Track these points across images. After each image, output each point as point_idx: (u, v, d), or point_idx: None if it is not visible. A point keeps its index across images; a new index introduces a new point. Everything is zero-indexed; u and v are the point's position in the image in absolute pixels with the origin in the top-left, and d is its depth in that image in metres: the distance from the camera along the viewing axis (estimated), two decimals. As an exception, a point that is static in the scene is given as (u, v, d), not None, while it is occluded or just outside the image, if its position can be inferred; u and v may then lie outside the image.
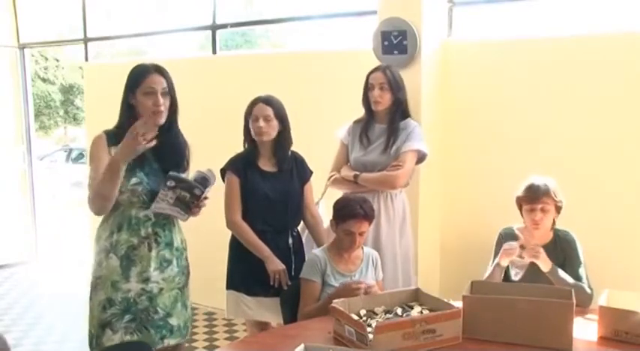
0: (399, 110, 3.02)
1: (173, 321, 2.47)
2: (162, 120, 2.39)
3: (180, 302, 2.52)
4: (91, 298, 2.44)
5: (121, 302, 2.38)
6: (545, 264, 2.44)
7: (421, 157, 3.03)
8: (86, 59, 5.75)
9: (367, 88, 3.04)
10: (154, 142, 2.27)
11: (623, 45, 3.06)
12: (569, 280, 2.44)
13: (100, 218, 2.47)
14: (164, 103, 2.37)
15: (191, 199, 2.38)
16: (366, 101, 3.05)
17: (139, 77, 2.37)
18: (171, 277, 2.46)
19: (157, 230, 2.43)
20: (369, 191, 2.96)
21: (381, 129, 3.03)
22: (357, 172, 2.99)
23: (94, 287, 2.43)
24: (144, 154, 2.35)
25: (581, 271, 2.52)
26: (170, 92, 2.41)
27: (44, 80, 19.55)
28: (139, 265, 2.39)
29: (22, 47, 6.13)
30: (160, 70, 2.40)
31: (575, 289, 2.26)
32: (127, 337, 2.38)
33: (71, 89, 20.41)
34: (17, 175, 6.20)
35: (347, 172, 3.03)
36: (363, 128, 3.07)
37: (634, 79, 3.02)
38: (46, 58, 19.33)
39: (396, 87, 2.99)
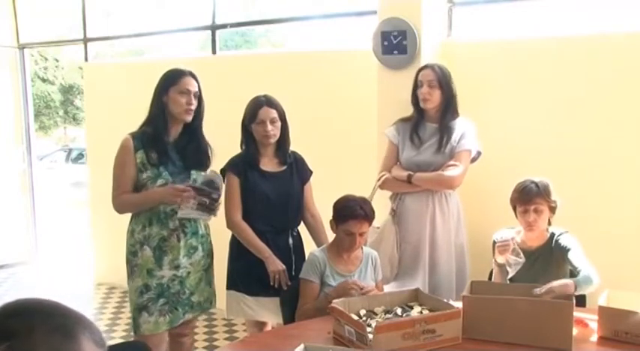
0: (450, 108, 2.96)
1: (194, 298, 2.75)
2: (190, 118, 2.65)
3: (205, 281, 2.79)
4: (128, 285, 2.73)
5: (155, 287, 2.65)
6: (567, 290, 2.24)
7: (475, 156, 2.99)
8: (86, 59, 5.74)
9: (416, 85, 2.98)
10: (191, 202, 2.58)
11: (623, 45, 3.06)
12: (588, 276, 2.33)
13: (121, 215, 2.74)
14: (194, 105, 2.64)
15: (211, 204, 2.61)
16: (415, 99, 3.00)
17: (176, 77, 2.65)
18: (197, 261, 2.73)
19: (183, 222, 2.67)
20: (423, 191, 2.94)
21: (433, 128, 2.98)
22: (411, 172, 2.94)
23: (131, 275, 2.70)
24: (169, 155, 2.63)
25: (581, 260, 2.43)
26: (200, 97, 2.68)
27: (44, 80, 19.52)
28: (170, 255, 2.65)
29: (21, 47, 6.12)
30: (193, 76, 2.69)
31: (589, 283, 2.29)
32: (161, 319, 2.65)
33: (71, 89, 20.38)
34: (17, 175, 6.19)
35: (399, 172, 2.98)
36: (414, 127, 3.00)
37: (634, 79, 3.02)
38: (46, 59, 19.28)
39: (445, 84, 2.94)
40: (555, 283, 2.24)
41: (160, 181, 2.61)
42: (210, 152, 2.79)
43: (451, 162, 2.88)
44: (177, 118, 2.65)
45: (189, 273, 2.70)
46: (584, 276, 2.35)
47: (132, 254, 2.69)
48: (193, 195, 2.57)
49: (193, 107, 2.64)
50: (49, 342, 0.83)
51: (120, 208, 2.69)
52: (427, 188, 2.94)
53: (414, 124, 3.01)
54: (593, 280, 2.32)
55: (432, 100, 2.94)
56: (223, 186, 2.70)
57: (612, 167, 3.10)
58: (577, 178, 3.13)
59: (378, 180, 3.04)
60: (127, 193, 2.64)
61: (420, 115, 3.01)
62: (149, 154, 2.61)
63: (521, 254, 2.50)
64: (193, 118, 2.67)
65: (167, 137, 2.66)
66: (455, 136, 2.92)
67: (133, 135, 2.64)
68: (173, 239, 2.65)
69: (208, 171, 2.71)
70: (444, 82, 2.94)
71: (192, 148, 2.70)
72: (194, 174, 2.68)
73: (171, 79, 2.64)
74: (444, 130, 2.94)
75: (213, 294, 2.88)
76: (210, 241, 2.84)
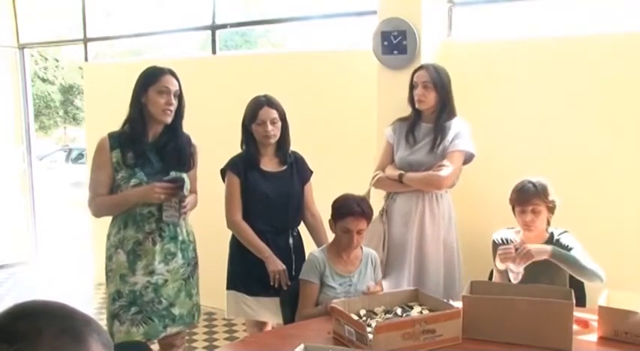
0: (445, 109, 2.95)
1: (175, 310, 2.61)
2: (170, 120, 2.54)
3: (185, 292, 2.65)
4: (106, 292, 2.65)
5: (128, 294, 2.53)
6: (542, 253, 2.37)
7: (468, 158, 2.98)
8: (86, 59, 5.74)
9: (412, 86, 2.98)
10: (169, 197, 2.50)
11: (623, 45, 3.06)
12: (578, 258, 2.38)
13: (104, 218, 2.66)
14: (174, 105, 2.53)
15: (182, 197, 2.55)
16: (412, 100, 2.99)
17: (155, 76, 2.52)
18: (175, 268, 2.61)
19: (161, 225, 2.56)
20: (414, 191, 2.92)
21: (428, 128, 2.97)
22: (402, 172, 2.93)
23: (106, 280, 2.61)
24: (147, 156, 2.53)
25: (585, 259, 2.45)
26: (180, 95, 2.56)
27: (44, 80, 19.52)
28: (144, 259, 2.53)
29: (21, 47, 6.12)
30: (173, 74, 2.57)
31: (584, 270, 2.34)
32: (134, 329, 2.53)
33: (71, 89, 20.38)
34: (17, 175, 6.19)
35: (391, 172, 2.98)
36: (410, 127, 3.00)
37: (634, 79, 3.02)
38: (46, 59, 19.29)
39: (440, 85, 2.92)
40: (534, 246, 2.37)
41: (133, 181, 2.50)
42: (193, 151, 2.69)
43: (441, 162, 2.87)
44: (157, 119, 2.54)
45: (165, 281, 2.57)
46: (571, 254, 2.40)
47: (108, 258, 2.59)
48: (173, 187, 2.47)
49: (173, 107, 2.53)
50: (58, 345, 0.82)
51: (96, 211, 2.59)
52: (417, 188, 2.93)
53: (410, 124, 3.01)
54: (581, 261, 2.38)
55: (427, 101, 2.93)
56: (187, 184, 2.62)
57: (612, 167, 3.10)
58: (577, 177, 3.13)
59: (373, 179, 3.04)
60: (104, 195, 2.54)
61: (416, 115, 3.01)
62: (125, 155, 2.51)
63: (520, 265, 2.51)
64: (173, 118, 2.56)
65: (146, 138, 2.55)
66: (449, 137, 2.91)
67: (111, 135, 2.55)
68: (148, 243, 2.53)
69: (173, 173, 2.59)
70: (438, 83, 2.92)
71: (171, 148, 2.59)
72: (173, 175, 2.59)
73: (150, 78, 2.52)
74: (439, 131, 2.93)
75: (196, 308, 2.73)
76: (194, 250, 2.72)
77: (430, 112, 2.97)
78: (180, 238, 2.62)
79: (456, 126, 2.94)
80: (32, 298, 0.89)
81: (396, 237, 2.97)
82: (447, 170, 2.84)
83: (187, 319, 2.68)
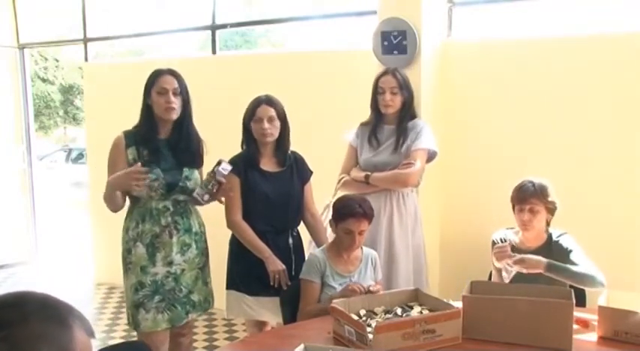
0: (409, 111, 3.00)
1: (194, 297, 2.76)
2: (175, 116, 2.65)
3: (201, 280, 2.80)
4: (124, 282, 2.75)
5: (150, 284, 2.66)
6: (536, 267, 2.37)
7: (431, 156, 3.02)
8: (86, 59, 5.74)
9: (376, 91, 3.01)
10: (142, 188, 2.56)
11: (623, 45, 3.06)
12: (574, 268, 2.39)
13: (116, 212, 2.71)
14: (175, 102, 2.64)
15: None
16: (375, 104, 3.03)
17: (154, 78, 2.67)
18: (191, 258, 2.73)
19: (175, 219, 2.69)
20: (380, 191, 2.95)
21: (390, 130, 3.01)
22: (368, 173, 2.96)
23: (125, 272, 2.72)
24: (161, 152, 2.65)
25: (584, 261, 2.45)
26: (182, 93, 2.66)
27: (44, 80, 19.53)
28: (162, 251, 2.67)
29: (21, 47, 6.12)
30: (172, 73, 2.69)
31: (582, 278, 2.34)
32: (159, 316, 2.66)
33: (71, 89, 20.39)
34: (17, 175, 6.19)
35: (357, 174, 3.02)
36: (372, 130, 3.04)
37: (633, 80, 3.02)
38: (46, 59, 19.30)
39: (406, 89, 2.98)
40: (530, 256, 2.39)
41: (150, 177, 2.59)
42: (202, 148, 2.79)
43: (406, 161, 2.91)
44: (162, 118, 2.66)
45: (183, 270, 2.71)
46: (567, 266, 2.39)
47: (127, 251, 2.70)
48: (145, 171, 2.50)
49: (174, 105, 2.63)
50: (45, 330, 0.85)
51: (107, 205, 2.65)
52: (384, 188, 2.95)
53: (372, 127, 3.05)
54: (578, 270, 2.37)
55: (394, 105, 2.98)
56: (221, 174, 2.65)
57: (612, 167, 3.10)
58: (576, 177, 3.13)
59: (339, 183, 3.06)
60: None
61: (378, 118, 3.04)
62: (141, 152, 2.64)
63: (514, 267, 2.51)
64: (181, 115, 2.67)
65: (158, 136, 2.68)
66: (411, 136, 2.96)
67: (126, 133, 2.68)
68: (165, 236, 2.66)
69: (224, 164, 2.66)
70: (404, 87, 2.97)
71: (181, 144, 2.71)
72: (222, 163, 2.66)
73: (151, 80, 2.67)
74: (401, 131, 2.97)
75: (210, 294, 2.88)
76: (205, 240, 2.85)
77: (394, 116, 3.01)
78: (193, 229, 2.75)
79: (417, 126, 2.99)
80: None
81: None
82: (412, 168, 2.89)
83: (205, 304, 2.84)
